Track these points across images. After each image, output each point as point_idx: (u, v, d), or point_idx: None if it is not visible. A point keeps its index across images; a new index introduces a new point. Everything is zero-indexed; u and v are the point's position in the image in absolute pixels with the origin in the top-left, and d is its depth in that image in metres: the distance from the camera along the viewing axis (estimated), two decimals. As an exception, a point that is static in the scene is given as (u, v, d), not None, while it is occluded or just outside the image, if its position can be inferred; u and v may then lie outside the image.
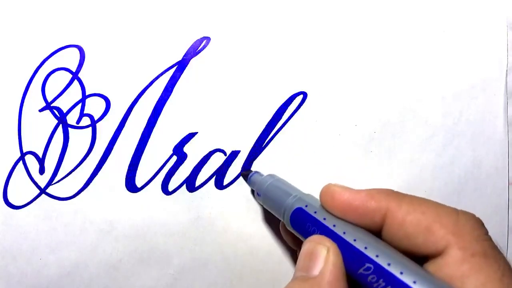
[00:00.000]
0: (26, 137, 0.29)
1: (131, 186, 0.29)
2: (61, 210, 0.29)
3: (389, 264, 0.19)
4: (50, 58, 0.29)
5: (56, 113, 0.29)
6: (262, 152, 0.30)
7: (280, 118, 0.30)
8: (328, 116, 0.30)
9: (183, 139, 0.29)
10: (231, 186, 0.30)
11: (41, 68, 0.29)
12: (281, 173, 0.29)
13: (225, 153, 0.30)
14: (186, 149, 0.29)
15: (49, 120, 0.29)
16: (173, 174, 0.29)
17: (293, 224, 0.24)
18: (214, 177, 0.30)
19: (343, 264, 0.20)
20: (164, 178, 0.29)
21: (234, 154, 0.30)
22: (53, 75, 0.29)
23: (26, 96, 0.29)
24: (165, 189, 0.29)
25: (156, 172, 0.29)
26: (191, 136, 0.29)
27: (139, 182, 0.29)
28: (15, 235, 0.29)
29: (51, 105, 0.29)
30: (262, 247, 0.30)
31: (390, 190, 0.22)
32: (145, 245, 0.29)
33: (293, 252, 0.30)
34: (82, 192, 0.29)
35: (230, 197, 0.30)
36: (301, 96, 0.30)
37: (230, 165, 0.30)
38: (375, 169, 0.30)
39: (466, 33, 0.31)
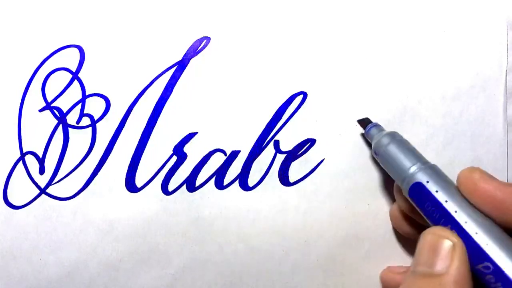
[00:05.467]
0: (26, 137, 0.29)
1: (131, 186, 0.29)
2: (61, 210, 0.29)
3: None
4: (50, 58, 0.29)
5: (56, 113, 0.29)
6: (262, 152, 0.30)
7: (280, 118, 0.30)
8: (328, 116, 0.30)
9: (183, 139, 0.29)
10: (231, 186, 0.30)
11: (41, 68, 0.29)
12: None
13: (225, 153, 0.30)
14: (186, 149, 0.29)
15: (49, 120, 0.29)
16: (173, 174, 0.29)
17: (412, 196, 0.23)
18: (214, 177, 0.30)
19: (468, 260, 0.19)
20: (164, 178, 0.29)
21: (234, 154, 0.30)
22: (53, 75, 0.29)
23: (26, 96, 0.29)
24: (165, 189, 0.29)
25: (156, 172, 0.29)
26: (191, 136, 0.29)
27: (139, 182, 0.29)
28: (15, 235, 0.29)
29: (51, 105, 0.29)
30: (262, 247, 0.30)
31: None
32: (145, 245, 0.29)
33: (293, 252, 0.30)
34: (82, 192, 0.29)
35: (230, 197, 0.30)
36: (301, 96, 0.30)
37: (230, 165, 0.30)
38: (376, 168, 0.30)
39: (466, 33, 0.31)
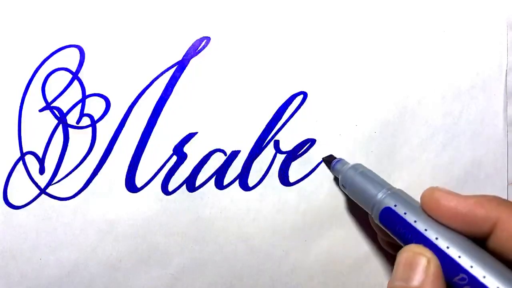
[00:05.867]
0: (26, 137, 0.29)
1: (131, 186, 0.29)
2: (61, 210, 0.29)
3: (484, 277, 0.18)
4: (50, 58, 0.29)
5: (56, 113, 0.29)
6: (262, 152, 0.30)
7: (280, 118, 0.30)
8: (329, 116, 0.30)
9: (183, 139, 0.29)
10: (231, 186, 0.30)
11: (41, 68, 0.29)
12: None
13: (225, 153, 0.30)
14: (186, 149, 0.29)
15: (49, 120, 0.29)
16: (173, 174, 0.29)
17: (383, 221, 0.24)
18: (214, 177, 0.30)
19: (443, 275, 0.20)
20: (164, 178, 0.29)
21: (234, 154, 0.30)
22: (53, 75, 0.29)
23: (26, 96, 0.29)
24: (165, 189, 0.29)
25: (156, 172, 0.29)
26: (191, 136, 0.29)
27: (139, 182, 0.29)
28: (15, 235, 0.29)
29: (51, 105, 0.29)
30: (262, 247, 0.30)
31: (500, 199, 0.21)
32: (145, 245, 0.29)
33: (293, 252, 0.30)
34: (82, 192, 0.29)
35: (230, 197, 0.30)
36: (301, 96, 0.30)
37: (230, 165, 0.30)
38: (375, 169, 0.30)
39: (466, 33, 0.31)
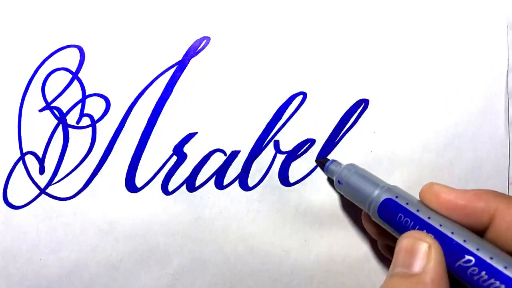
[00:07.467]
0: (26, 137, 0.29)
1: (131, 186, 0.29)
2: (61, 210, 0.29)
3: (491, 258, 0.19)
4: (50, 58, 0.29)
5: (56, 113, 0.29)
6: (262, 152, 0.30)
7: (280, 118, 0.30)
8: (328, 116, 0.30)
9: (183, 139, 0.29)
10: (231, 186, 0.30)
11: (41, 68, 0.29)
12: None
13: (225, 153, 0.30)
14: (186, 149, 0.29)
15: (49, 120, 0.29)
16: (173, 174, 0.29)
17: (381, 214, 0.24)
18: (214, 177, 0.30)
19: (444, 260, 0.20)
20: (164, 178, 0.29)
21: (234, 154, 0.30)
22: (53, 75, 0.29)
23: (26, 96, 0.29)
24: (165, 189, 0.29)
25: (156, 172, 0.29)
26: (191, 136, 0.29)
27: (139, 182, 0.29)
28: (15, 235, 0.29)
29: (51, 105, 0.29)
30: (262, 247, 0.30)
31: (496, 192, 0.22)
32: (145, 245, 0.29)
33: (293, 252, 0.30)
34: (82, 192, 0.29)
35: (230, 197, 0.30)
36: (301, 96, 0.30)
37: (230, 165, 0.30)
38: (375, 169, 0.30)
39: (466, 33, 0.31)
